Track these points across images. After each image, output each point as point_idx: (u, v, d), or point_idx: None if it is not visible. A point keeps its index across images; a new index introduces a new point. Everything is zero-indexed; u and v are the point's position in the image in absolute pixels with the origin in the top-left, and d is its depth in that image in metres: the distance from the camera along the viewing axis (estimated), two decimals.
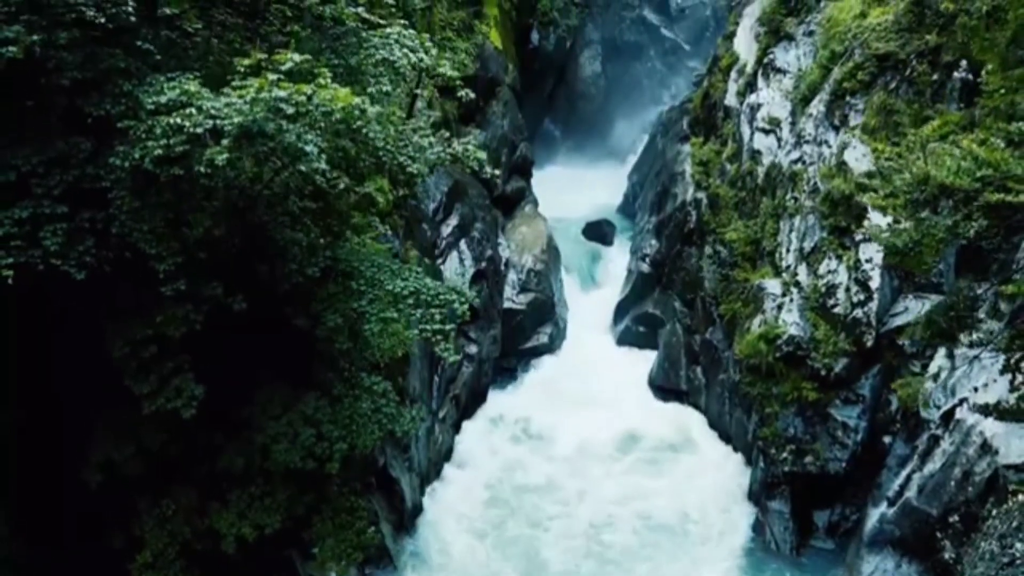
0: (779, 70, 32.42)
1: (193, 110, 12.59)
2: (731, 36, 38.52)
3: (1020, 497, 18.78)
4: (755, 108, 32.37)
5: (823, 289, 24.35)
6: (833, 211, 25.08)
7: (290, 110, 12.55)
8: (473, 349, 31.42)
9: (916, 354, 23.11)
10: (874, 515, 22.50)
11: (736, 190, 32.01)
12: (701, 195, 34.56)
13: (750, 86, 33.79)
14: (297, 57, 13.43)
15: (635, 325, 36.80)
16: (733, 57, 36.77)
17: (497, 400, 32.04)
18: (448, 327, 17.76)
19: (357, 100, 13.20)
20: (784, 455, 24.13)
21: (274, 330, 17.51)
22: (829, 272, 24.53)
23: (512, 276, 36.46)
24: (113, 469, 17.13)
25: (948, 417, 21.51)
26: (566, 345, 36.51)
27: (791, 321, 24.72)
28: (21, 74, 12.91)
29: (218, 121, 12.50)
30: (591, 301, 40.29)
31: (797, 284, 25.33)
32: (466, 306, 18.36)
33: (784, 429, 24.27)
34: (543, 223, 40.42)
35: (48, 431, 17.02)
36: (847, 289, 23.89)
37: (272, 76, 12.69)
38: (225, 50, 16.62)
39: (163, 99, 12.81)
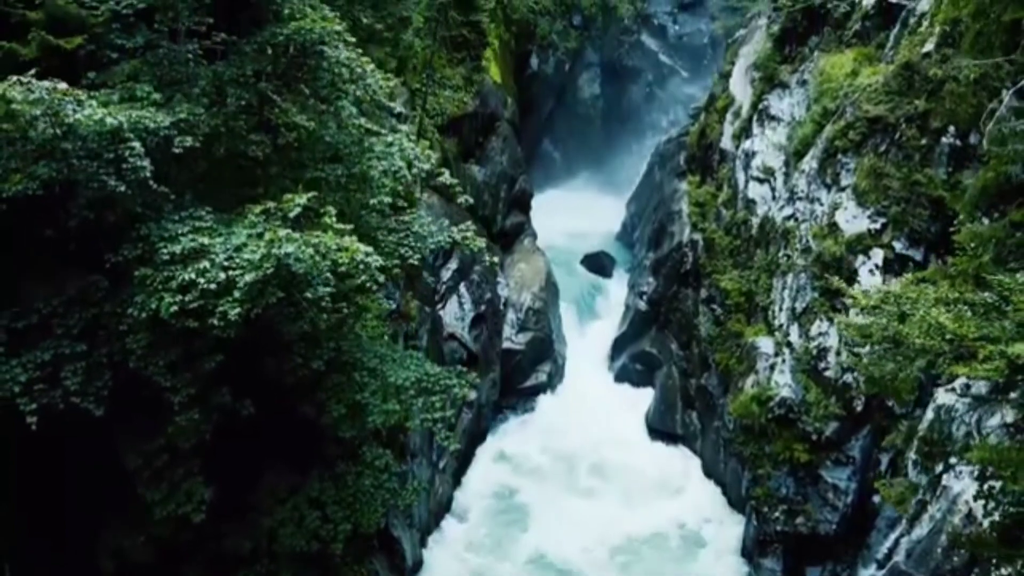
0: (773, 117, 32.94)
1: (207, 263, 13.15)
2: (727, 75, 39.00)
3: (1003, 571, 19.33)
4: (750, 155, 32.91)
5: (814, 351, 24.90)
6: (824, 272, 25.58)
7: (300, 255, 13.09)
8: (473, 395, 31.75)
9: (904, 415, 23.70)
10: None
11: (731, 237, 32.58)
12: (697, 236, 35.10)
13: (745, 131, 34.30)
14: (303, 200, 13.98)
15: (632, 363, 37.37)
16: (729, 99, 37.29)
17: (495, 445, 32.54)
18: (449, 413, 18.36)
19: (362, 254, 13.64)
20: (776, 514, 24.72)
21: (279, 417, 18.07)
22: (820, 334, 25.08)
23: (511, 315, 36.94)
24: (123, 555, 17.68)
25: (936, 482, 22.10)
26: (565, 384, 37.02)
27: (783, 383, 25.30)
28: (41, 206, 13.47)
29: (231, 272, 13.06)
30: (590, 335, 40.86)
31: (789, 344, 25.90)
32: (466, 389, 18.89)
33: (776, 489, 24.87)
34: (542, 258, 40.84)
35: (54, 521, 17.50)
36: (837, 353, 24.42)
37: (282, 232, 13.20)
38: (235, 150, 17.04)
39: (177, 249, 13.38)
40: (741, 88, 36.74)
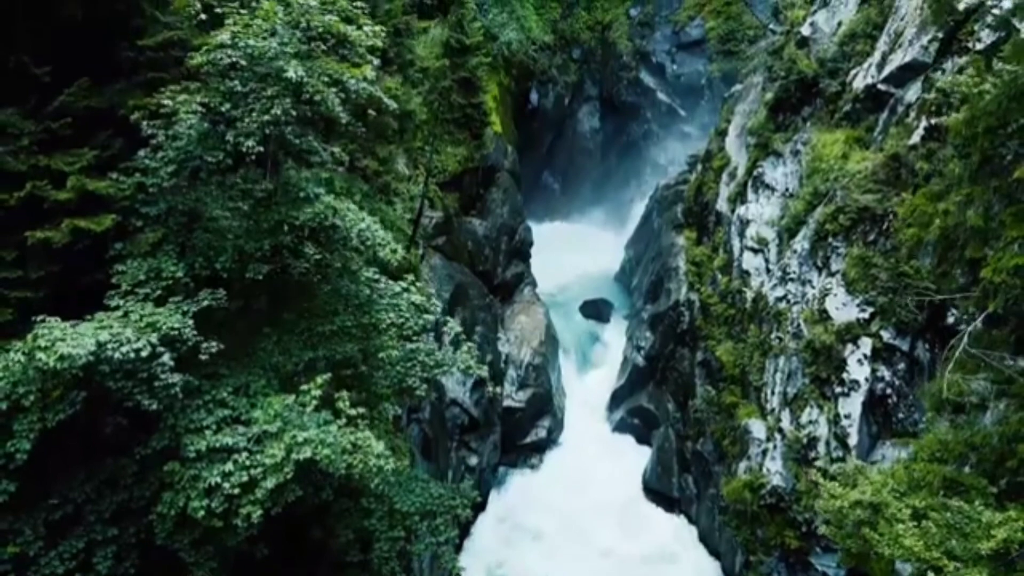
0: (767, 186, 33.70)
1: (230, 465, 14.01)
2: (723, 133, 39.76)
3: None
4: (745, 223, 33.70)
5: (805, 440, 25.75)
6: (815, 359, 26.44)
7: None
8: (474, 460, 32.81)
9: None
10: None
11: (726, 305, 33.41)
12: (694, 297, 35.98)
13: (740, 196, 35.07)
14: (318, 391, 14.84)
15: (630, 417, 38.31)
16: (724, 159, 38.05)
17: (496, 510, 33.36)
18: (453, 534, 19.27)
19: (374, 457, 14.40)
20: None
21: (291, 543, 18.97)
22: (811, 422, 25.93)
23: (511, 372, 37.78)
24: None
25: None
26: (564, 438, 37.97)
27: (774, 470, 26.19)
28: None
29: (252, 471, 13.94)
30: (589, 383, 41.78)
31: (781, 431, 26.76)
32: (468, 510, 19.77)
33: (768, 574, 25.80)
34: (541, 309, 41.65)
35: None
36: (827, 443, 25.30)
37: (300, 437, 14.07)
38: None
39: (203, 446, 14.25)
40: (736, 149, 37.53)
